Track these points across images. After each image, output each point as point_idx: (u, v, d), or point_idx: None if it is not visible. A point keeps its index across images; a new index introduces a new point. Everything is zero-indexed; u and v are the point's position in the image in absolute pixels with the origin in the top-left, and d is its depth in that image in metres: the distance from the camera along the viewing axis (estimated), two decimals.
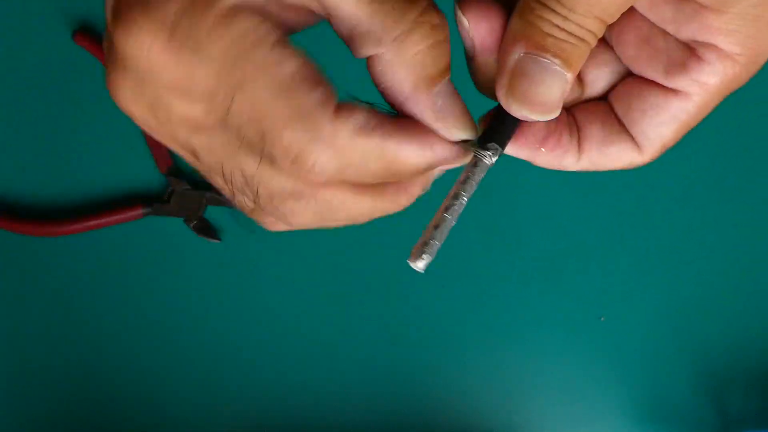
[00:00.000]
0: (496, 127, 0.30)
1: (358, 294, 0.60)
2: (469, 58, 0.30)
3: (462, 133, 0.29)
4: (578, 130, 0.32)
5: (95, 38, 0.58)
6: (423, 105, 0.28)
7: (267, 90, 0.26)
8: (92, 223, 0.59)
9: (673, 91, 0.30)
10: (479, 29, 0.29)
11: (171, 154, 0.59)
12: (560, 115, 0.29)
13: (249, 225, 0.31)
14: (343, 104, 0.27)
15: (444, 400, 0.61)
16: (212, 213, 0.60)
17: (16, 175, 0.60)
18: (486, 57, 0.29)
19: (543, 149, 0.31)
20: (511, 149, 0.31)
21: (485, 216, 0.60)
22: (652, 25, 0.30)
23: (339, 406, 0.60)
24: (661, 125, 0.30)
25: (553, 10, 0.27)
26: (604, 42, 0.32)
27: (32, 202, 0.60)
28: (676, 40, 0.29)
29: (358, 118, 0.27)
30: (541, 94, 0.28)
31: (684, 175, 0.61)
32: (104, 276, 0.60)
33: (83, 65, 0.59)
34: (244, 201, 0.30)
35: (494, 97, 0.29)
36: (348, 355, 0.60)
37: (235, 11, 0.25)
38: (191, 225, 0.59)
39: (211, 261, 0.60)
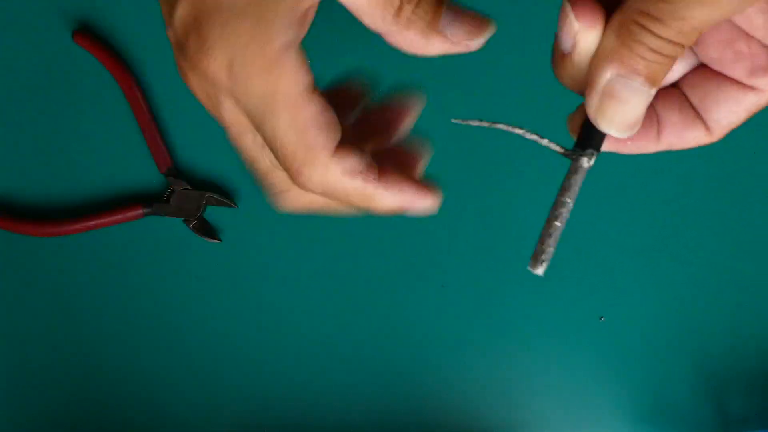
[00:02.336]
0: (590, 132, 0.33)
1: (358, 294, 0.60)
2: (561, 53, 0.32)
3: (479, 37, 0.33)
4: (657, 117, 0.35)
5: (95, 38, 0.58)
6: (438, 45, 0.33)
7: (286, 123, 0.32)
8: (92, 223, 0.59)
9: (751, 88, 0.33)
10: (586, 33, 0.31)
11: (171, 154, 0.59)
12: None
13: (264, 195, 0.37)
14: (341, 148, 0.33)
15: (444, 400, 0.61)
16: (212, 213, 0.60)
17: (16, 175, 0.60)
18: (582, 58, 0.32)
19: (629, 142, 0.35)
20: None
21: (485, 216, 0.60)
22: (739, 30, 0.33)
23: (339, 406, 0.60)
24: (733, 114, 0.34)
25: (651, 32, 0.29)
26: None
27: (32, 202, 0.60)
28: (761, 44, 0.33)
29: (349, 163, 0.33)
30: (628, 115, 0.31)
31: (684, 175, 0.60)
32: (104, 276, 0.60)
33: (83, 65, 0.59)
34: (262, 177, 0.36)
35: (576, 92, 0.33)
36: (348, 355, 0.60)
37: (281, 53, 0.31)
38: (191, 225, 0.59)
39: (211, 261, 0.60)
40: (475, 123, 0.35)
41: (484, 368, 0.61)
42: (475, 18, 0.33)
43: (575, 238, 0.60)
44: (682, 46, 0.30)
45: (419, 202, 0.35)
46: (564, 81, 0.33)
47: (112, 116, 0.59)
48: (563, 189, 0.34)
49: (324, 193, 0.34)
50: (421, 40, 0.33)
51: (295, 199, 0.36)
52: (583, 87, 0.32)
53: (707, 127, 0.34)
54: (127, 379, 0.60)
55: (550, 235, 0.34)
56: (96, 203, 0.60)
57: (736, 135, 0.61)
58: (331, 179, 0.33)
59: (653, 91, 0.31)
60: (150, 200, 0.59)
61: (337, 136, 0.33)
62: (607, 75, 0.30)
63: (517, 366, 0.61)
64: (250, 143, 0.34)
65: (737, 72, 0.33)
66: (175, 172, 0.59)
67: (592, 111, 0.32)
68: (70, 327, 0.60)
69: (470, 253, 0.60)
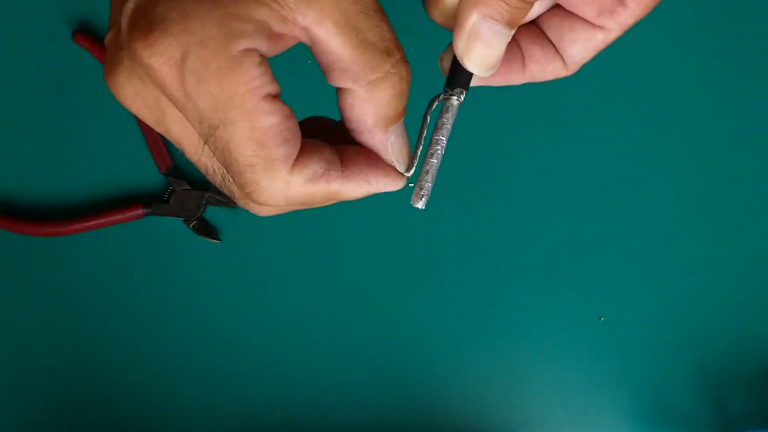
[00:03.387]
0: (458, 72, 0.35)
1: (358, 295, 0.60)
2: None
3: (402, 166, 0.35)
4: (521, 51, 0.38)
5: (95, 38, 0.58)
6: (378, 140, 0.33)
7: (244, 134, 0.30)
8: (92, 223, 0.59)
9: (600, 27, 0.37)
10: None
11: (171, 155, 0.59)
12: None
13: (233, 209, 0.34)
14: (301, 154, 0.31)
15: (444, 399, 0.61)
16: (212, 213, 0.60)
17: (16, 175, 0.60)
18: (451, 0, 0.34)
19: (498, 76, 0.37)
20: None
21: (485, 216, 0.60)
22: None
23: (339, 406, 0.60)
24: (585, 51, 0.37)
25: None
26: None
27: (32, 202, 0.60)
28: None
29: (310, 169, 0.32)
30: (490, 55, 0.34)
31: (684, 175, 0.60)
32: (104, 276, 0.60)
33: (83, 65, 0.59)
34: (220, 184, 0.34)
35: (446, 28, 0.35)
36: (348, 355, 0.60)
37: (242, 58, 0.29)
38: (191, 225, 0.59)
39: (210, 261, 0.60)
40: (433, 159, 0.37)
41: (484, 368, 0.61)
42: (410, 152, 0.35)
43: (575, 238, 0.60)
44: None
45: (386, 185, 0.35)
46: (435, 18, 0.35)
47: (112, 116, 0.59)
48: (437, 128, 0.36)
49: (286, 204, 0.32)
50: (369, 123, 0.33)
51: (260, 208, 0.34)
52: (452, 25, 0.34)
53: (564, 62, 0.38)
54: (127, 379, 0.60)
55: (427, 172, 0.35)
56: (96, 203, 0.60)
57: (735, 135, 0.61)
58: (293, 192, 0.32)
59: (512, 32, 0.33)
60: (150, 200, 0.59)
61: (298, 146, 0.31)
62: (473, 17, 0.33)
63: (517, 366, 0.61)
64: (203, 157, 0.32)
65: (588, 13, 0.36)
66: (175, 172, 0.59)
67: (459, 51, 0.34)
68: (71, 327, 0.60)
69: (470, 253, 0.60)
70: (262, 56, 0.30)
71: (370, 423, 0.61)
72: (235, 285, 0.60)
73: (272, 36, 0.30)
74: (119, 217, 0.59)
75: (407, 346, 0.60)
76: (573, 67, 0.38)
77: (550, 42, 0.38)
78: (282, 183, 0.31)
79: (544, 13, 0.38)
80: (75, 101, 0.59)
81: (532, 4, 0.33)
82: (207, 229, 0.59)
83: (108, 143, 0.59)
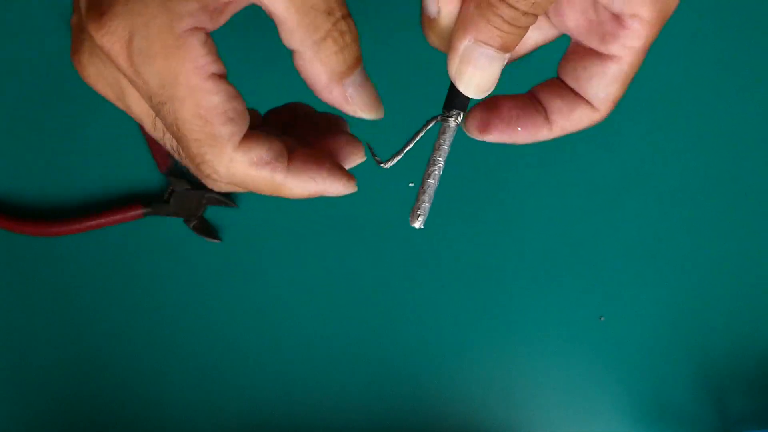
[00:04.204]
0: (454, 94, 0.36)
1: (358, 294, 0.60)
2: (427, 18, 0.35)
3: (368, 114, 0.35)
4: (544, 107, 0.37)
5: None
6: (336, 94, 0.34)
7: (190, 110, 0.31)
8: (92, 223, 0.59)
9: (609, 57, 0.36)
10: (448, 1, 0.34)
11: (171, 154, 0.59)
12: (525, 98, 0.37)
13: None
14: (249, 138, 0.32)
15: (444, 400, 0.61)
16: (212, 213, 0.60)
17: (16, 175, 0.60)
18: (446, 23, 0.34)
19: (520, 129, 0.37)
20: (494, 137, 0.37)
21: (485, 216, 0.60)
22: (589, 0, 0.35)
23: (339, 406, 0.60)
24: (607, 86, 0.36)
25: (507, 3, 0.32)
26: None
27: (32, 202, 0.60)
28: (607, 12, 0.35)
29: (255, 153, 0.33)
30: (483, 79, 0.34)
31: (684, 175, 0.60)
32: (104, 276, 0.60)
33: None
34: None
35: (443, 51, 0.35)
36: (348, 355, 0.60)
37: (186, 37, 0.30)
38: (191, 225, 0.59)
39: (211, 261, 0.60)
40: (398, 157, 0.37)
41: (484, 368, 0.61)
42: (376, 97, 0.35)
43: (575, 238, 0.60)
44: (535, 15, 0.32)
45: (332, 188, 0.35)
46: (431, 42, 0.36)
47: (113, 116, 0.59)
48: (435, 149, 0.36)
49: (231, 184, 0.34)
50: (323, 80, 0.33)
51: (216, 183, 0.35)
52: (448, 49, 0.34)
53: (591, 105, 0.37)
54: (127, 378, 0.60)
55: (424, 192, 0.36)
56: (96, 203, 0.60)
57: (734, 135, 0.61)
58: (237, 170, 0.33)
59: (506, 57, 0.33)
60: (150, 200, 0.59)
61: (244, 127, 0.32)
62: (465, 42, 0.33)
63: (517, 366, 0.61)
64: (160, 133, 0.34)
65: (593, 42, 0.36)
66: (175, 172, 0.59)
67: (452, 74, 0.34)
68: (71, 327, 0.60)
69: (470, 253, 0.60)
70: (207, 35, 0.31)
71: (370, 423, 0.61)
72: (235, 285, 0.60)
73: (217, 8, 0.31)
74: (119, 217, 0.59)
75: (407, 346, 0.60)
76: (603, 106, 0.37)
77: (570, 90, 0.37)
78: (227, 159, 0.32)
79: (561, 61, 0.38)
80: (75, 101, 0.59)
81: (525, 28, 0.33)
82: (207, 229, 0.59)
83: (108, 143, 0.59)
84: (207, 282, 0.60)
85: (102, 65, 0.33)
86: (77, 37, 0.33)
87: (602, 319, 0.61)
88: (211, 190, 0.59)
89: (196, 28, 0.30)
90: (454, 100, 0.36)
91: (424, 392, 0.61)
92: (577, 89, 0.37)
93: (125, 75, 0.31)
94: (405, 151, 0.36)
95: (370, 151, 0.37)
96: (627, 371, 0.61)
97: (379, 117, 0.36)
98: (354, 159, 0.37)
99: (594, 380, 0.61)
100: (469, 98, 0.36)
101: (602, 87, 0.36)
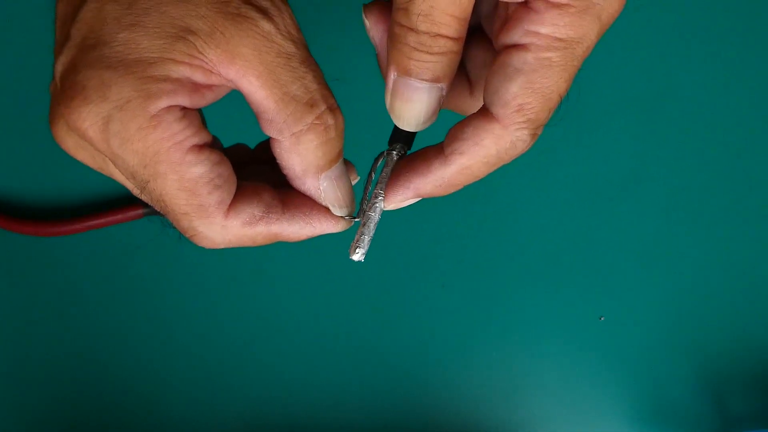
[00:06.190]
0: (398, 129, 0.35)
1: (358, 295, 0.60)
2: (377, 52, 0.34)
3: (339, 211, 0.35)
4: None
5: None
6: (308, 186, 0.33)
7: (174, 185, 0.30)
8: (92, 223, 0.59)
9: (514, 46, 0.31)
10: (378, 31, 0.33)
11: None
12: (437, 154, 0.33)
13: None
14: (236, 199, 0.32)
15: (444, 399, 0.61)
16: None
17: (16, 175, 0.60)
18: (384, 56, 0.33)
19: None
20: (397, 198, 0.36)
21: (485, 216, 0.60)
22: None
23: (339, 406, 0.60)
24: (508, 82, 0.31)
25: (411, 29, 0.30)
26: None
27: (32, 202, 0.60)
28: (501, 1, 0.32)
29: (246, 214, 0.32)
30: (414, 111, 0.32)
31: (684, 175, 0.60)
32: (104, 276, 0.60)
33: None
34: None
35: None
36: (348, 354, 0.60)
37: (162, 116, 0.29)
38: None
39: (210, 261, 0.60)
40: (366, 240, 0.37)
41: (484, 368, 0.61)
42: (349, 193, 0.34)
43: (575, 238, 0.60)
44: (448, 38, 0.30)
45: (329, 227, 0.35)
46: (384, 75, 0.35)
47: None
48: (378, 182, 0.35)
49: (228, 245, 0.33)
50: (297, 171, 0.33)
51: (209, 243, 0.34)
52: None
53: (494, 117, 0.33)
54: (126, 378, 0.60)
55: (364, 224, 0.36)
56: (96, 203, 0.60)
57: (734, 135, 0.61)
58: (231, 235, 0.32)
59: (438, 87, 0.31)
60: None
61: (232, 190, 0.32)
62: (392, 75, 0.32)
63: (517, 366, 0.61)
64: (150, 200, 0.33)
65: (497, 26, 0.33)
66: None
67: (388, 108, 0.33)
68: (70, 327, 0.60)
69: (470, 253, 0.60)
70: (185, 110, 0.30)
71: (370, 423, 0.61)
72: (234, 285, 0.60)
73: (198, 89, 0.30)
74: (119, 217, 0.59)
75: (407, 346, 0.60)
76: (504, 117, 0.32)
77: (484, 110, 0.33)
78: (218, 227, 0.32)
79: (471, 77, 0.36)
80: None
81: (443, 53, 0.30)
82: None
83: None
84: (207, 282, 0.60)
85: (79, 139, 0.32)
86: (54, 108, 0.32)
87: (602, 319, 0.61)
88: None
89: (173, 107, 0.30)
90: (398, 133, 0.35)
91: (424, 392, 0.61)
92: (485, 98, 0.33)
93: (104, 155, 0.31)
94: (364, 203, 0.35)
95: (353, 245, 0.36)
96: (627, 371, 0.61)
97: (348, 214, 0.35)
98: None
99: (594, 380, 0.61)
100: (413, 135, 0.35)
101: (502, 82, 0.31)
